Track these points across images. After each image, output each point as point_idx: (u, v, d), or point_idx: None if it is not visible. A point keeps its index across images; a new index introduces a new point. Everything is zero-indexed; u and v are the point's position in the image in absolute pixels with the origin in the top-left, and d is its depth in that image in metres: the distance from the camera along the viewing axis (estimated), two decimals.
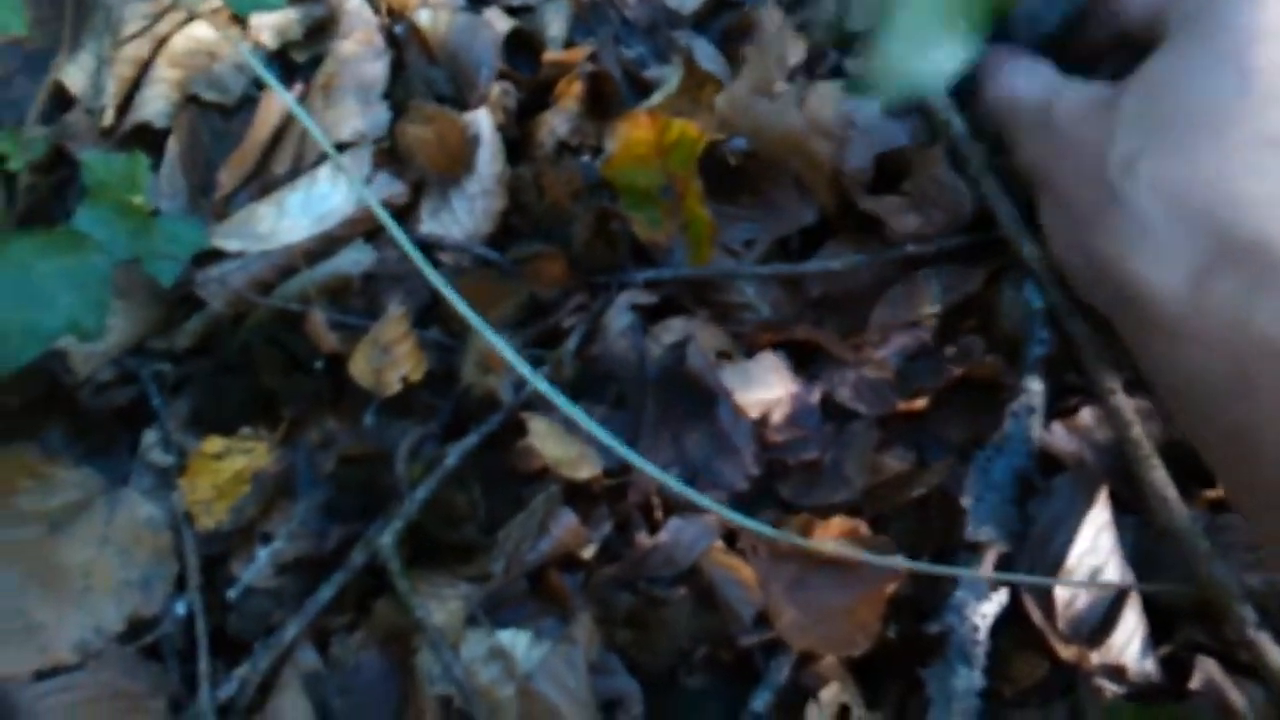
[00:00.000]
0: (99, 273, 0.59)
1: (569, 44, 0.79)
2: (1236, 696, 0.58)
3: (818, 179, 0.69)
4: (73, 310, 0.57)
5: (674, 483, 0.60)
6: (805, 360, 0.70)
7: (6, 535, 0.63)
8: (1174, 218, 0.49)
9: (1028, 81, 0.59)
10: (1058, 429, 0.65)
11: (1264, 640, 0.56)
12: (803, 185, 0.71)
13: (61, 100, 0.75)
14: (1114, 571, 0.61)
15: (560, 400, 0.59)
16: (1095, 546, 0.61)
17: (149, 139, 0.73)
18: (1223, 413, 0.48)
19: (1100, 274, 0.54)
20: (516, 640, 0.60)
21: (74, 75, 0.74)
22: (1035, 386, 0.64)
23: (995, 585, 0.60)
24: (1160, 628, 0.61)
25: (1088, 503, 0.62)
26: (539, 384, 0.59)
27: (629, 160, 0.69)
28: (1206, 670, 0.59)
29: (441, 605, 0.61)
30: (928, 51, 0.58)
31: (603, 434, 0.60)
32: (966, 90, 0.63)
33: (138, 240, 0.63)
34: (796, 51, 0.71)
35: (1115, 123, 0.52)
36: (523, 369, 0.59)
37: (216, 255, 0.69)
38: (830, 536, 0.64)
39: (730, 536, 0.65)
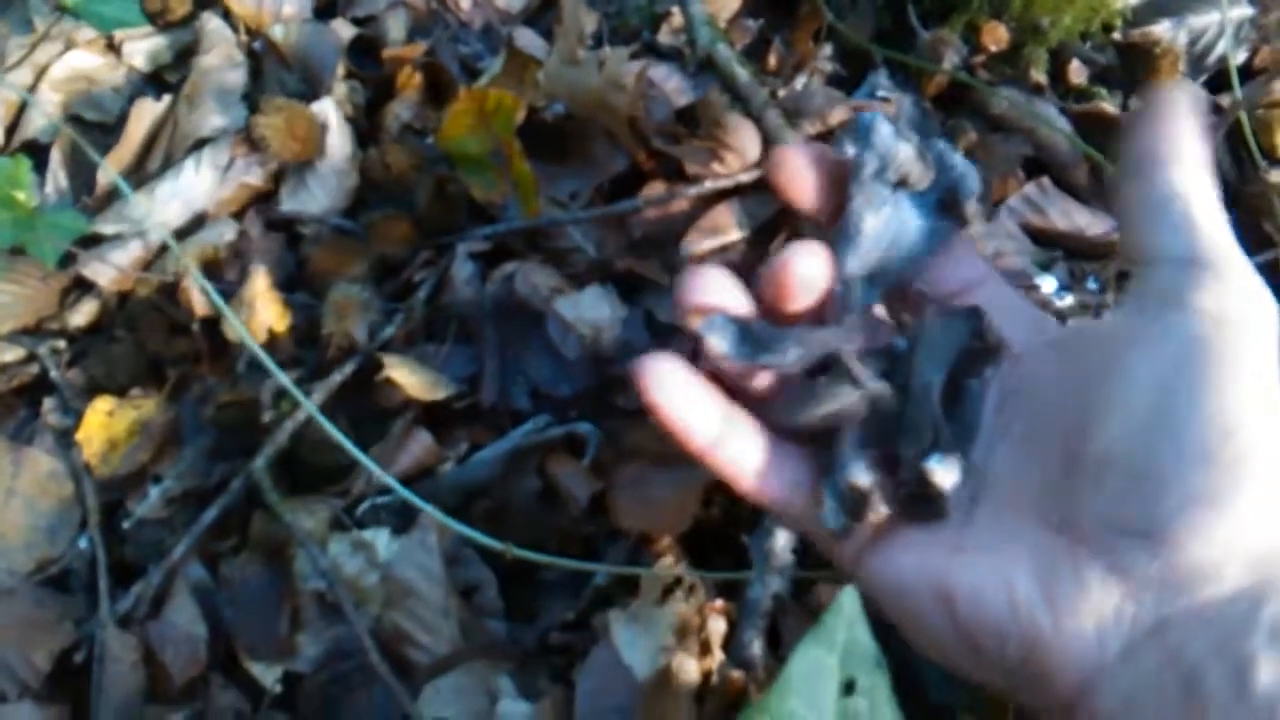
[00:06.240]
0: None
1: (409, 44, 0.90)
2: None
3: (621, 130, 0.80)
4: None
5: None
6: (631, 291, 0.80)
7: None
8: None
9: None
10: None
11: None
12: (612, 137, 0.81)
13: None
14: None
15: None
16: None
17: (37, 153, 0.83)
18: None
19: None
20: (377, 536, 0.69)
21: None
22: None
23: None
24: None
25: None
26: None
27: (458, 130, 0.79)
28: None
29: (311, 515, 0.70)
30: None
31: None
32: None
33: (21, 229, 0.72)
34: (591, 24, 0.81)
35: None
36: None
37: (100, 241, 0.78)
38: (657, 435, 0.73)
39: (569, 442, 0.74)
